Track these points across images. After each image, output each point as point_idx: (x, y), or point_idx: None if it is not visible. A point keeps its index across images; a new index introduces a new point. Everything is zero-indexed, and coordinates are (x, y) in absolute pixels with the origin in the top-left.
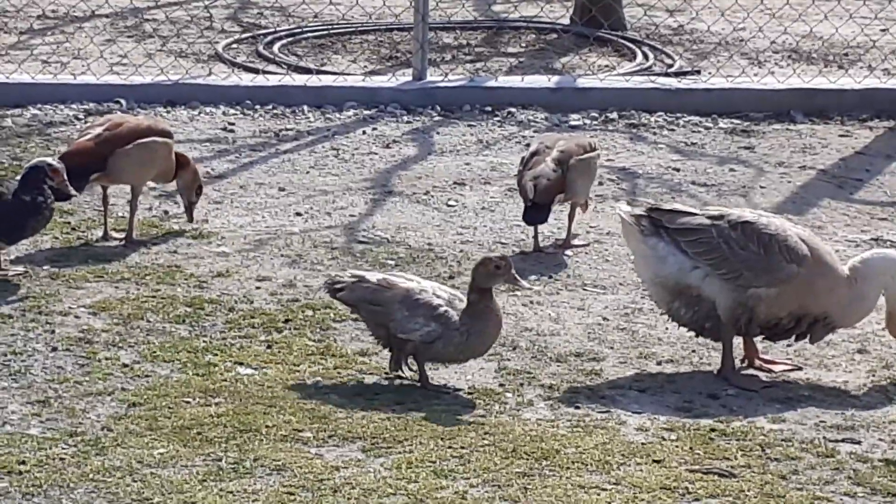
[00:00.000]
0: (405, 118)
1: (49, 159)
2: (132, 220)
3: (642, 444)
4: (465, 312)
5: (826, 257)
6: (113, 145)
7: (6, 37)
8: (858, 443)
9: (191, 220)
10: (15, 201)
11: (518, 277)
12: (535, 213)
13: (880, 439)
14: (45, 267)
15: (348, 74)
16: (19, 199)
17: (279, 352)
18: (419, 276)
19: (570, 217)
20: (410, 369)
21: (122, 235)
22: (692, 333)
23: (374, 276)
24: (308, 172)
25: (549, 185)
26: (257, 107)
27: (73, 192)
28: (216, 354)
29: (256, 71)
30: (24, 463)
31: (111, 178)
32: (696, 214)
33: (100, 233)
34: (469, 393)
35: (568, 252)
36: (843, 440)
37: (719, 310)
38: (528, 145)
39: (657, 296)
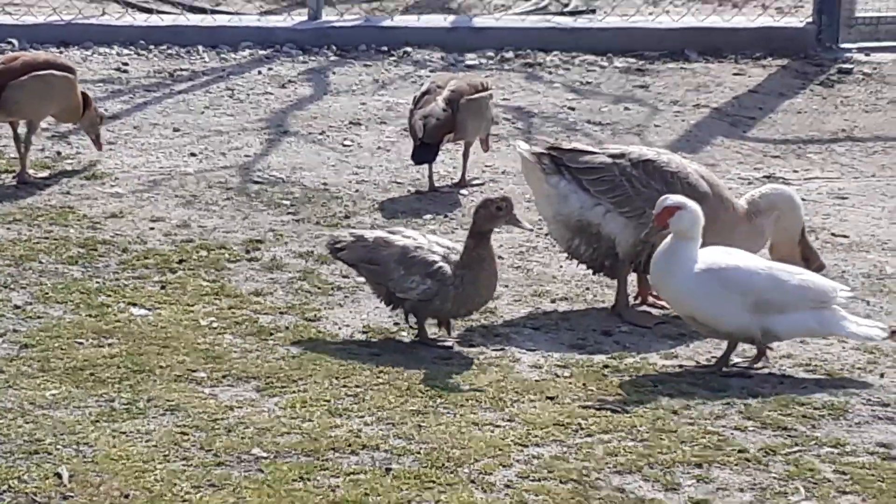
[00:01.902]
0: (301, 58)
1: None
2: (25, 157)
3: (536, 381)
4: (458, 262)
5: (725, 193)
6: (7, 77)
7: None
8: (749, 377)
9: (100, 148)
10: None
11: (520, 219)
12: (424, 152)
13: (770, 373)
14: None
15: (243, 14)
16: None
17: (173, 292)
18: (418, 231)
19: (465, 156)
20: (412, 327)
21: (46, 174)
22: (589, 271)
23: (371, 235)
24: (203, 113)
25: (437, 124)
26: (151, 47)
27: None
28: (109, 295)
29: (150, 11)
30: None
31: (6, 112)
32: (597, 153)
33: None
34: (364, 332)
35: (463, 191)
36: (734, 375)
37: (618, 248)
38: (422, 85)
39: (557, 233)
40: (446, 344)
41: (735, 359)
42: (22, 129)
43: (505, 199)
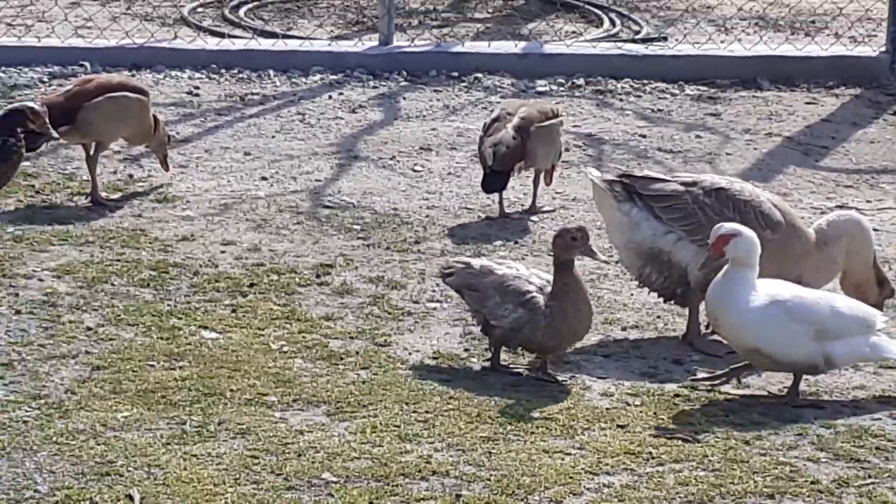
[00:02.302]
0: (371, 83)
1: (30, 102)
2: (94, 177)
3: (607, 409)
4: (549, 294)
5: (798, 222)
6: (82, 99)
7: None
8: (822, 408)
9: (167, 169)
10: None
11: (595, 250)
12: (494, 180)
13: (843, 406)
14: (8, 229)
15: (314, 39)
16: None
17: (244, 316)
18: (522, 263)
19: (535, 183)
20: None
21: (114, 196)
22: (660, 300)
23: (477, 262)
24: (274, 137)
25: (508, 152)
26: (223, 71)
27: (54, 133)
28: (181, 318)
29: (222, 35)
30: None
31: (80, 133)
32: (669, 181)
33: (64, 196)
34: (434, 358)
35: (533, 218)
36: (807, 406)
37: (690, 276)
38: (492, 111)
39: (628, 261)
40: (517, 371)
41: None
42: (93, 152)
43: (580, 230)
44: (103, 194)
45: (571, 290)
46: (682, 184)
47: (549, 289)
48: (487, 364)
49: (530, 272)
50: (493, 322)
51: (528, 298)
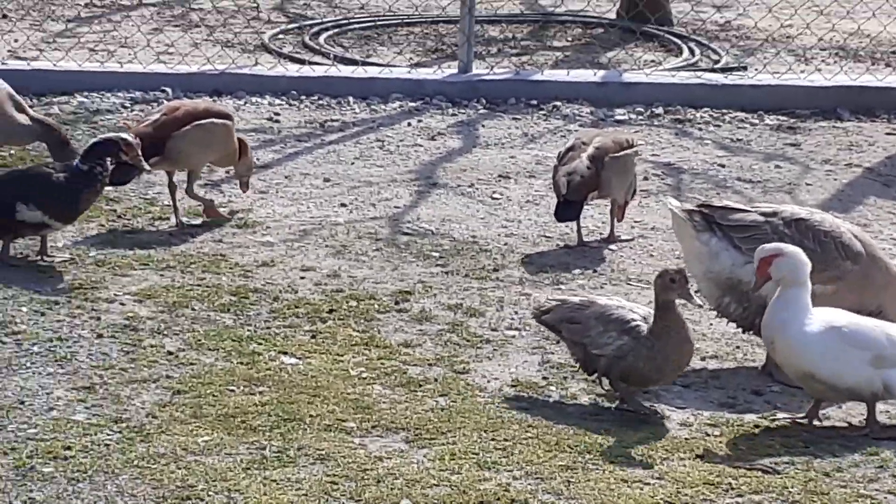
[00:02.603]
0: (450, 110)
1: (124, 134)
2: (177, 206)
3: (686, 439)
4: (650, 329)
5: (879, 253)
6: (170, 129)
7: (54, 24)
8: None
9: (245, 191)
10: (69, 174)
11: (692, 294)
12: (567, 210)
13: None
14: (91, 254)
15: (394, 66)
16: (77, 170)
17: (323, 342)
18: (621, 299)
19: (612, 212)
20: (604, 388)
21: (198, 221)
22: (739, 329)
23: (575, 298)
24: (353, 163)
25: (581, 182)
26: (303, 97)
27: (146, 166)
28: (260, 343)
29: (302, 61)
30: (69, 448)
31: (170, 162)
32: (748, 211)
33: (145, 221)
34: (513, 385)
35: (612, 247)
36: (887, 438)
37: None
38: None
39: (707, 291)
40: (649, 411)
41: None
42: (177, 178)
43: (679, 272)
44: (184, 219)
45: (672, 331)
46: (762, 214)
47: (651, 321)
48: (564, 392)
49: (632, 305)
50: (596, 351)
51: (633, 326)
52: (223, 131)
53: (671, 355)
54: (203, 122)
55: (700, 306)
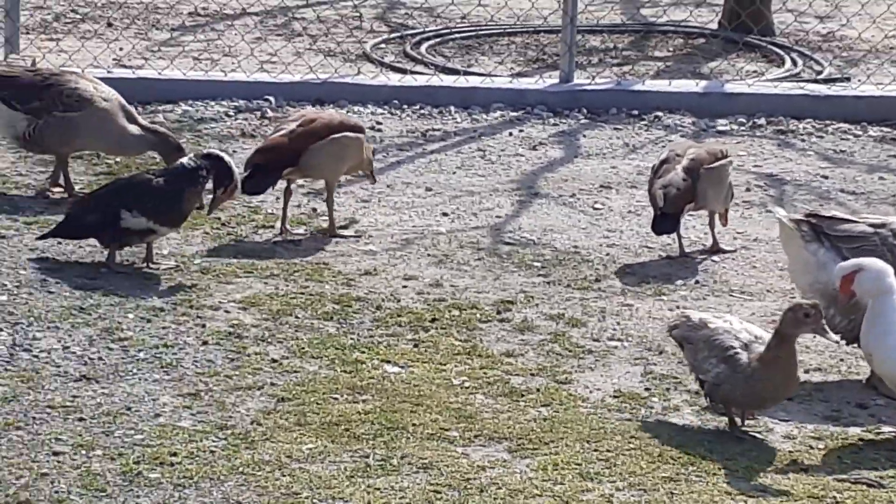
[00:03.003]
0: (552, 120)
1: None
2: (331, 215)
3: (789, 451)
4: (758, 357)
5: None
6: (306, 141)
7: (159, 33)
8: None
9: (375, 181)
10: (170, 176)
11: (826, 328)
12: (665, 222)
13: None
14: (196, 261)
15: (495, 76)
16: (182, 169)
17: (426, 350)
18: (738, 318)
19: (711, 223)
20: (722, 414)
21: (301, 231)
22: (843, 341)
23: (696, 316)
24: (455, 173)
25: (678, 194)
26: (404, 107)
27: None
28: (363, 352)
29: (404, 71)
30: (175, 455)
31: (303, 173)
32: (857, 222)
33: (249, 229)
34: (615, 396)
35: (715, 258)
36: None
37: None
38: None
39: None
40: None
41: None
42: (293, 187)
43: (814, 307)
44: (287, 227)
45: (782, 363)
46: (871, 225)
47: (756, 346)
48: (667, 404)
49: (742, 326)
50: (701, 376)
51: (731, 355)
52: (356, 145)
53: (772, 387)
54: (338, 136)
55: (836, 342)
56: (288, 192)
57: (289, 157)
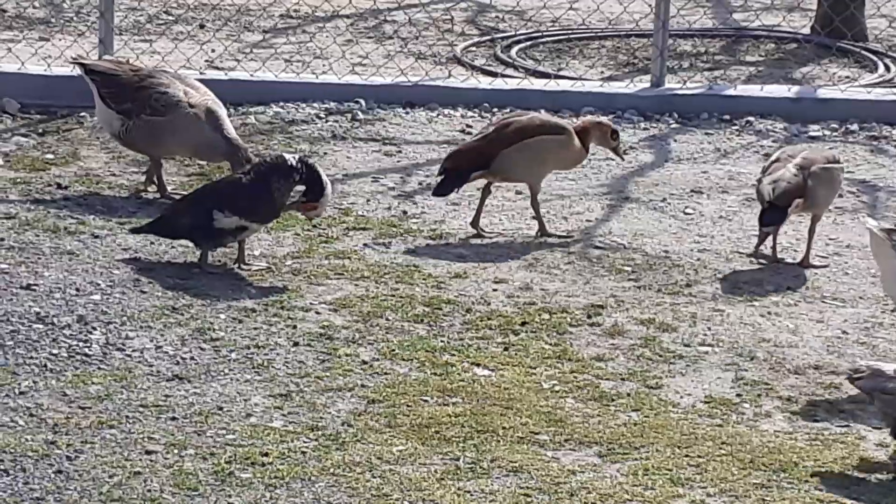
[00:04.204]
0: (642, 125)
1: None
2: (539, 216)
3: (883, 460)
4: None
5: None
6: (498, 146)
7: (250, 35)
8: None
9: (622, 157)
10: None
11: None
12: (773, 214)
13: None
14: (287, 262)
15: (586, 80)
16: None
17: (516, 354)
18: None
19: (812, 230)
20: None
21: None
22: None
23: (890, 368)
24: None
25: (789, 187)
26: (495, 110)
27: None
28: (453, 354)
29: (494, 74)
30: (266, 455)
31: (497, 177)
32: None
33: (339, 230)
34: (706, 402)
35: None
36: None
37: None
38: (766, 155)
39: None
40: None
41: None
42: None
43: None
44: (548, 227)
45: None
46: None
47: None
48: (758, 410)
49: None
50: None
51: None
52: (555, 146)
53: None
54: (531, 140)
55: None
56: (485, 191)
57: (478, 163)
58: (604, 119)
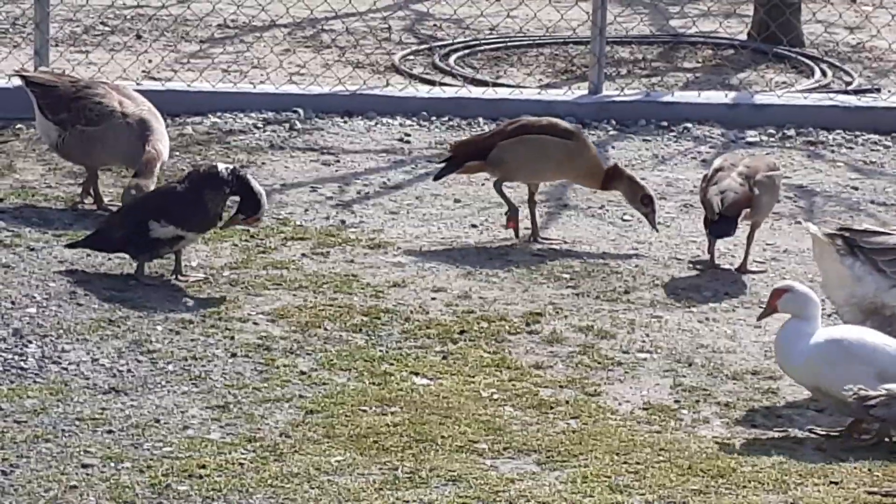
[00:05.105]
0: None
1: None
2: (533, 219)
3: (820, 464)
4: None
5: None
6: (497, 138)
7: (188, 45)
8: None
9: (655, 228)
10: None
11: None
12: (724, 225)
13: None
14: (224, 273)
15: (524, 87)
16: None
17: (454, 363)
18: None
19: (750, 238)
20: None
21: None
22: None
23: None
24: (483, 184)
25: (737, 198)
26: (433, 118)
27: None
28: (392, 364)
29: (433, 83)
30: (204, 467)
31: (492, 170)
32: (890, 234)
33: (277, 241)
34: (644, 408)
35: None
36: None
37: None
38: (705, 161)
39: (849, 315)
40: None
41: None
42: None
43: None
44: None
45: None
46: None
47: None
48: (696, 416)
49: None
50: None
51: None
52: (558, 150)
53: None
54: (530, 137)
55: None
56: (532, 202)
57: (476, 151)
58: (645, 185)
